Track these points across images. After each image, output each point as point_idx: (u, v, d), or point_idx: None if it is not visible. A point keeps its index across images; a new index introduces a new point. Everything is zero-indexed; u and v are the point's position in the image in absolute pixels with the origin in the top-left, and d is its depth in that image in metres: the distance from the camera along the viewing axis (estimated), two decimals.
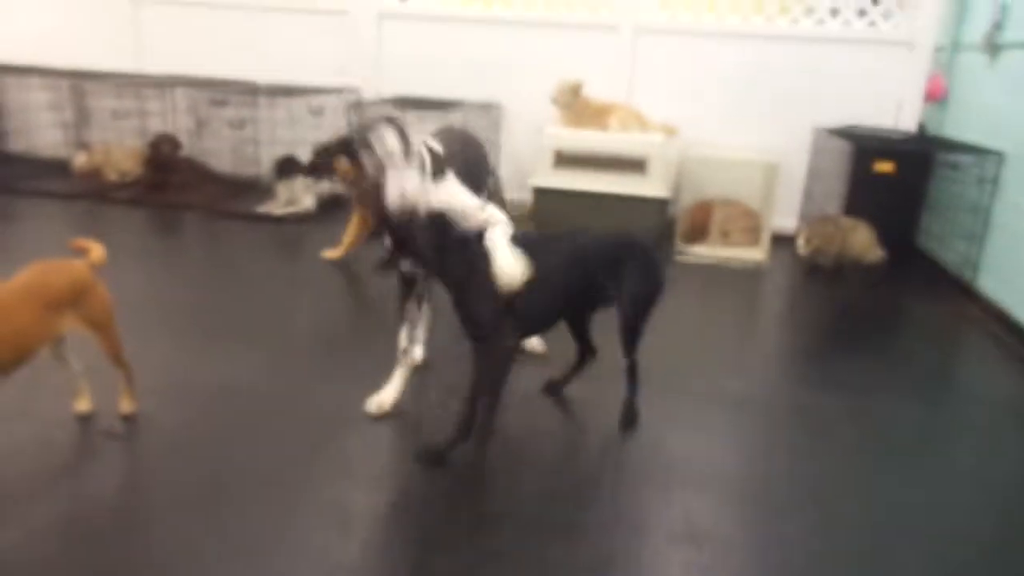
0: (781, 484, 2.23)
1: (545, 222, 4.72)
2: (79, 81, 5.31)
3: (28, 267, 2.10)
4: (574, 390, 2.69)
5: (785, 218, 4.72)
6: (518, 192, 5.11)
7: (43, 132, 5.52)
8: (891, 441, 2.52)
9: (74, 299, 2.11)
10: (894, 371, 3.09)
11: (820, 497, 2.16)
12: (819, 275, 4.23)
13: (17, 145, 5.66)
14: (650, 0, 4.93)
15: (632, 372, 2.47)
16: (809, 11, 4.82)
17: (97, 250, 2.23)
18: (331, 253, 4.07)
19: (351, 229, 4.06)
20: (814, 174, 4.61)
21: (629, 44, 4.93)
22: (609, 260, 2.38)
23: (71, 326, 2.13)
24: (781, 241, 4.60)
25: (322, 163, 2.37)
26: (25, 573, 1.72)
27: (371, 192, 2.25)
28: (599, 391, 2.69)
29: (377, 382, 2.50)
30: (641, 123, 4.66)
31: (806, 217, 4.59)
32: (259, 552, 1.80)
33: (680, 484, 2.18)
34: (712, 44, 4.90)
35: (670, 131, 4.69)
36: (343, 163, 2.30)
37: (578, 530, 1.95)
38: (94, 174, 5.33)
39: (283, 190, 4.84)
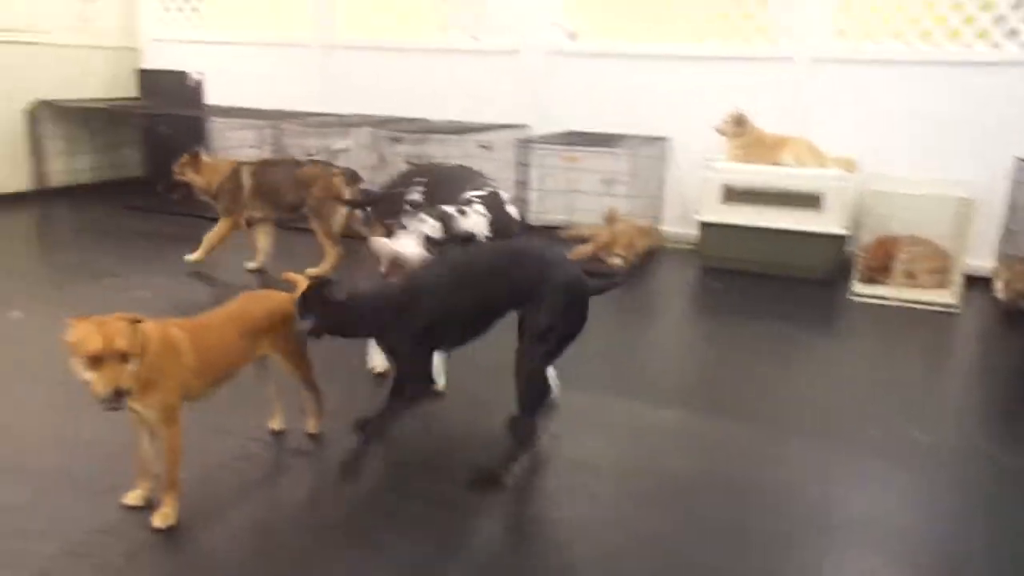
0: (980, 559, 2.04)
1: (713, 258, 4.63)
2: (276, 121, 5.83)
3: (238, 296, 2.34)
4: (725, 435, 2.60)
5: (980, 258, 4.35)
6: (684, 227, 5.06)
7: None
8: None
9: (271, 328, 2.30)
10: None
11: (1013, 569, 1.96)
12: (1020, 321, 3.86)
13: None
14: (827, 28, 4.75)
15: (517, 429, 2.30)
16: (1012, 33, 4.46)
17: (303, 284, 2.42)
18: (193, 256, 4.34)
19: (216, 234, 4.34)
20: (1015, 209, 4.22)
21: (805, 75, 4.76)
22: (526, 279, 2.21)
23: (267, 352, 2.33)
24: (975, 283, 4.24)
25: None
26: (225, 569, 1.90)
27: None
28: (757, 438, 2.59)
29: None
30: (817, 157, 4.47)
31: (1005, 257, 4.20)
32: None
33: (856, 543, 2.05)
34: (897, 73, 4.63)
35: (849, 165, 4.47)
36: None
37: None
38: None
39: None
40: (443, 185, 2.81)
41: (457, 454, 2.47)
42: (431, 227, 2.47)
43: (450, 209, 2.54)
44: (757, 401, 2.94)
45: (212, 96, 6.48)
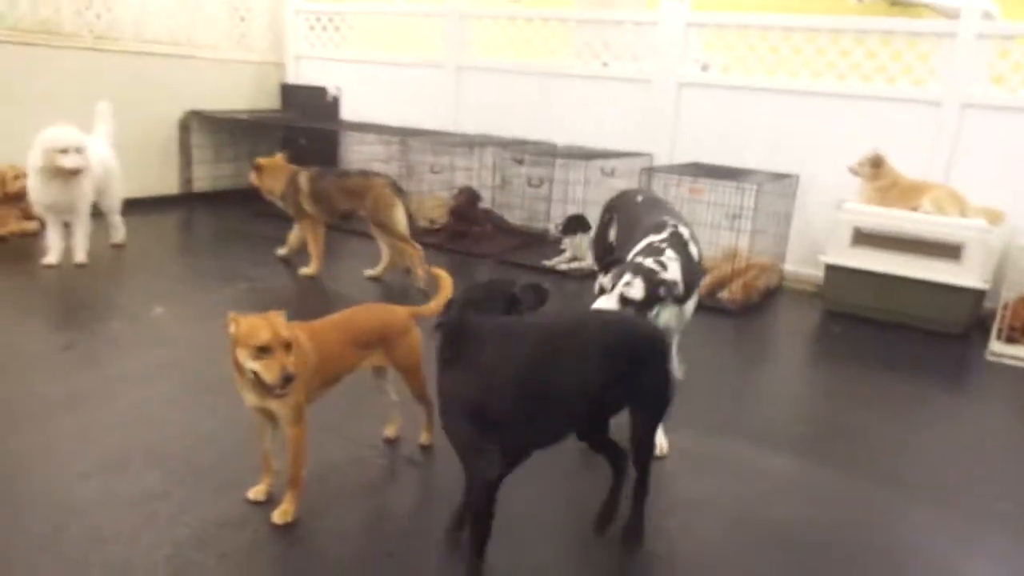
0: None
1: (836, 302, 4.46)
2: (406, 138, 6.04)
3: (354, 307, 2.43)
4: (837, 490, 2.48)
5: None
6: (808, 267, 4.89)
7: None
8: None
9: (383, 340, 2.37)
10: None
11: None
12: None
13: None
14: (982, 73, 4.50)
15: (642, 486, 2.12)
16: None
17: (442, 295, 2.50)
18: (307, 271, 4.57)
19: (316, 246, 4.60)
20: None
21: (954, 120, 4.52)
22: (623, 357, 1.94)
23: (379, 363, 2.40)
24: None
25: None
26: (337, 568, 1.97)
27: None
28: (871, 498, 2.46)
29: None
30: (960, 205, 4.23)
31: None
32: None
33: None
34: None
35: (994, 217, 4.20)
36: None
37: None
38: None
39: (569, 246, 5.09)
40: (629, 220, 2.78)
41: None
42: (636, 287, 2.31)
43: (651, 263, 2.40)
44: (875, 457, 2.80)
45: (347, 111, 6.79)
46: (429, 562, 2.02)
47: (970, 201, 4.26)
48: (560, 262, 5.08)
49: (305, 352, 2.12)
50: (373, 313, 2.44)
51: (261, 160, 4.76)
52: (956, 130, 4.52)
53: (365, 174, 4.66)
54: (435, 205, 6.03)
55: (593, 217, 5.08)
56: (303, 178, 4.57)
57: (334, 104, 6.81)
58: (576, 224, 5.04)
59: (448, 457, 2.52)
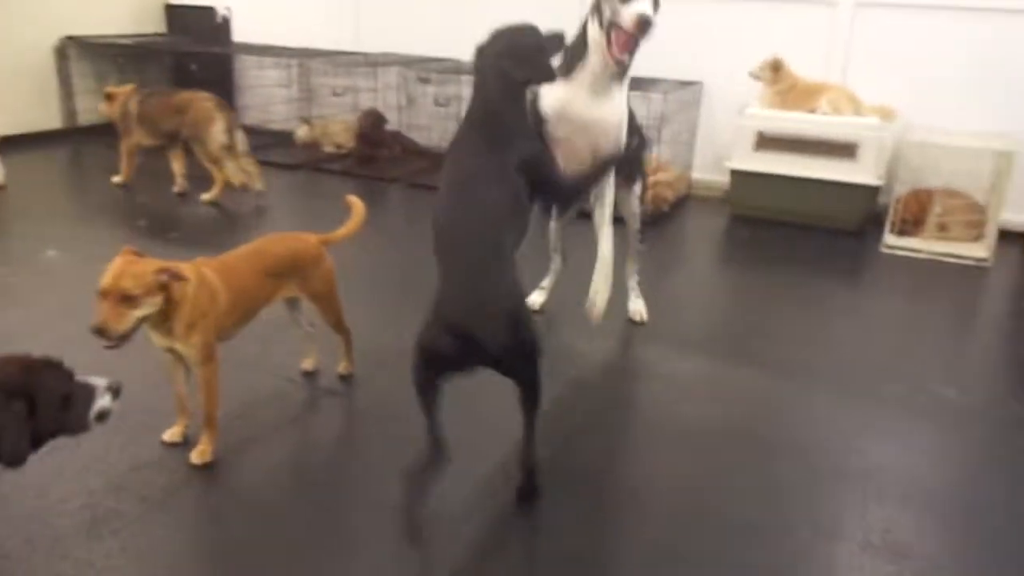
0: (998, 510, 2.06)
1: (742, 206, 4.58)
2: (304, 60, 5.78)
3: (260, 238, 2.36)
4: (749, 384, 2.62)
5: (1017, 212, 4.26)
6: (715, 174, 4.99)
7: (273, 107, 6.07)
8: None
9: (295, 270, 2.32)
10: None
11: None
12: None
13: (251, 118, 6.28)
14: None
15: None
16: None
17: (353, 221, 2.44)
18: (118, 179, 4.70)
19: (128, 162, 4.68)
20: None
21: (847, 19, 4.60)
22: None
23: (293, 293, 2.35)
24: (1010, 238, 4.17)
25: None
26: (261, 504, 1.97)
27: None
28: (781, 389, 2.61)
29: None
30: (854, 105, 4.36)
31: None
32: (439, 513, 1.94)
33: (878, 495, 2.07)
34: (942, 18, 4.45)
35: (887, 114, 4.36)
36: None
37: (765, 531, 1.93)
38: (313, 146, 5.81)
39: None
40: None
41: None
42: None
43: None
44: (782, 351, 2.94)
45: (240, 33, 6.42)
46: (356, 489, 2.04)
47: (864, 100, 4.40)
48: None
49: (214, 290, 2.05)
50: (283, 243, 2.36)
51: (111, 89, 4.64)
52: (850, 30, 4.61)
53: (191, 92, 4.56)
54: (340, 129, 5.84)
55: None
56: (133, 101, 4.51)
57: (225, 25, 6.42)
58: None
59: (368, 385, 2.53)
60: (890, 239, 4.19)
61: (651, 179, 4.57)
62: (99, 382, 1.68)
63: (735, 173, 4.55)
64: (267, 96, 6.08)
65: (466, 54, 5.62)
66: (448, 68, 5.42)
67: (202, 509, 1.97)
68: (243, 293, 2.16)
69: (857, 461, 2.23)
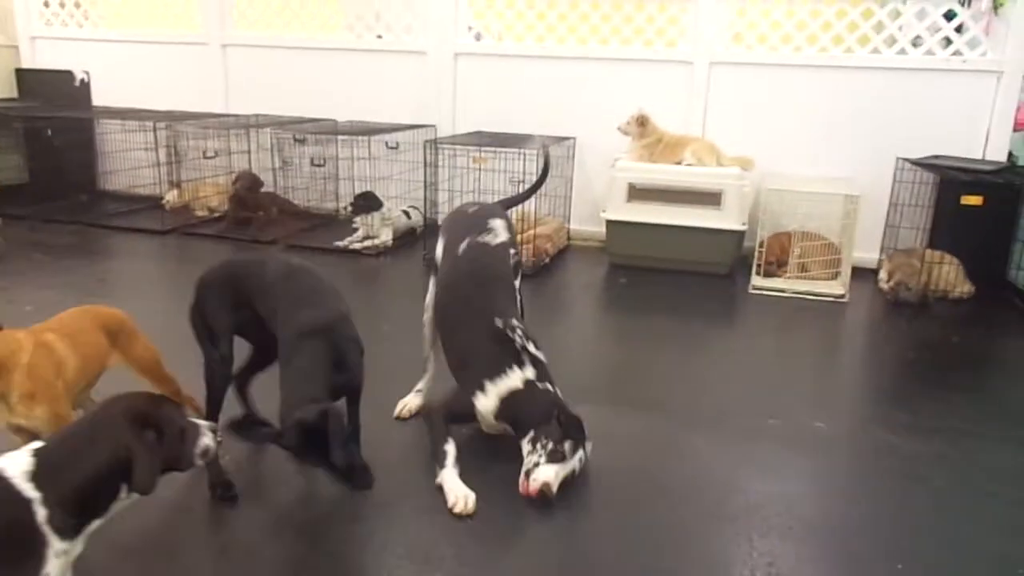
0: (867, 532, 2.16)
1: (620, 255, 4.74)
2: (172, 123, 5.60)
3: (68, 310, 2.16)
4: (633, 429, 2.67)
5: (867, 251, 4.60)
6: (591, 225, 5.15)
7: (139, 172, 5.82)
8: (985, 488, 2.41)
9: (116, 335, 2.15)
10: (984, 412, 2.96)
11: (909, 548, 2.09)
12: (903, 310, 4.11)
13: (115, 184, 6.00)
14: (724, 34, 4.92)
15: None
16: (891, 41, 4.73)
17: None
18: None
19: None
20: (897, 206, 4.49)
21: (704, 77, 4.92)
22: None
23: (115, 363, 2.17)
24: (862, 275, 4.49)
25: None
26: None
27: None
28: (664, 432, 2.67)
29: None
30: (716, 156, 4.63)
31: (888, 250, 4.46)
32: None
33: (761, 529, 2.14)
34: (789, 75, 4.84)
35: (746, 164, 4.65)
36: None
37: (659, 574, 1.94)
38: (184, 210, 5.60)
39: (361, 224, 4.99)
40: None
41: None
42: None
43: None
44: (663, 394, 3.02)
45: (101, 97, 6.17)
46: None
47: (725, 151, 4.68)
48: (353, 241, 4.97)
49: (59, 356, 1.91)
50: (92, 313, 2.17)
51: None
52: (707, 86, 4.93)
53: None
54: (212, 192, 5.68)
55: (381, 193, 5.02)
56: None
57: (84, 89, 6.16)
58: (367, 202, 4.94)
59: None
60: (757, 280, 4.42)
61: (531, 232, 4.67)
62: (201, 422, 1.69)
63: (610, 223, 4.71)
64: (133, 161, 5.82)
65: (341, 115, 5.66)
66: (324, 128, 5.38)
67: None
68: (89, 351, 2.03)
69: (740, 498, 2.29)
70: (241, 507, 2.15)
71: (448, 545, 2.01)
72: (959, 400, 3.06)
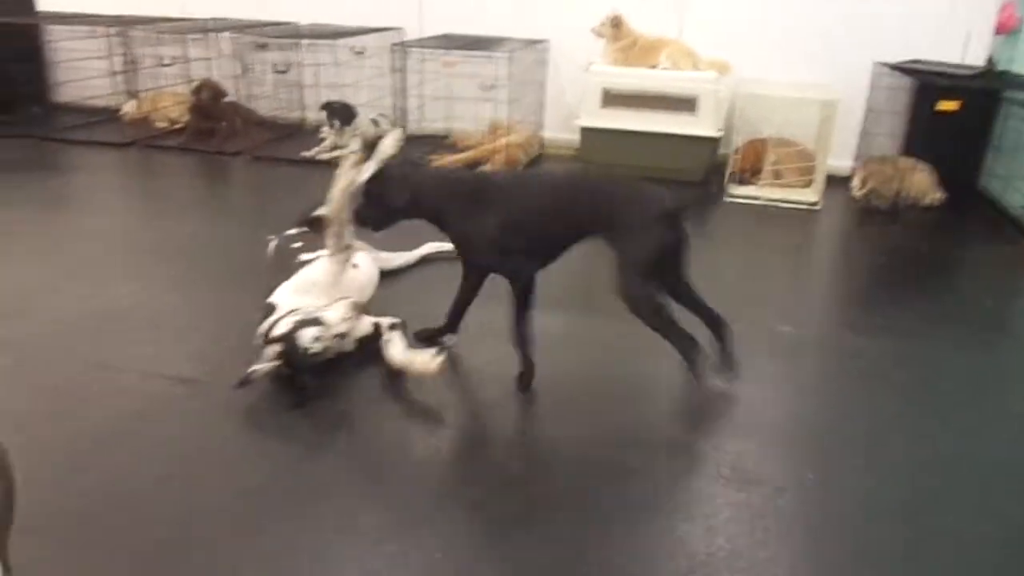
0: (832, 431, 2.21)
1: (592, 162, 4.66)
2: (125, 28, 5.32)
3: None
4: (603, 335, 2.68)
5: (841, 158, 4.56)
6: (565, 132, 5.04)
7: (94, 82, 5.56)
8: (945, 388, 2.47)
9: None
10: (950, 316, 3.01)
11: (870, 445, 2.14)
12: (874, 217, 4.11)
13: (68, 96, 5.74)
14: None
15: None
16: None
17: None
18: None
19: None
20: (872, 112, 4.43)
21: None
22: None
23: None
24: (837, 182, 4.46)
25: None
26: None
27: None
28: (644, 338, 2.68)
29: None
30: (692, 60, 4.51)
31: (862, 157, 4.43)
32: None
33: (729, 430, 2.17)
34: None
35: (723, 68, 4.54)
36: None
37: (627, 472, 1.97)
38: (143, 122, 5.40)
39: (329, 133, 4.85)
40: None
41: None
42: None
43: None
44: None
45: (48, 2, 5.83)
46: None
47: (701, 55, 4.55)
48: (321, 151, 4.83)
49: None
50: None
51: None
52: None
53: None
54: (172, 103, 5.46)
55: (352, 100, 4.86)
56: None
57: None
58: (344, 112, 4.79)
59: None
60: (731, 188, 4.38)
61: (502, 141, 4.57)
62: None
63: (584, 130, 4.61)
64: (85, 70, 5.56)
65: (302, 16, 5.41)
66: (287, 32, 5.15)
67: None
68: None
69: (710, 401, 2.32)
70: None
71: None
72: (924, 305, 3.11)
